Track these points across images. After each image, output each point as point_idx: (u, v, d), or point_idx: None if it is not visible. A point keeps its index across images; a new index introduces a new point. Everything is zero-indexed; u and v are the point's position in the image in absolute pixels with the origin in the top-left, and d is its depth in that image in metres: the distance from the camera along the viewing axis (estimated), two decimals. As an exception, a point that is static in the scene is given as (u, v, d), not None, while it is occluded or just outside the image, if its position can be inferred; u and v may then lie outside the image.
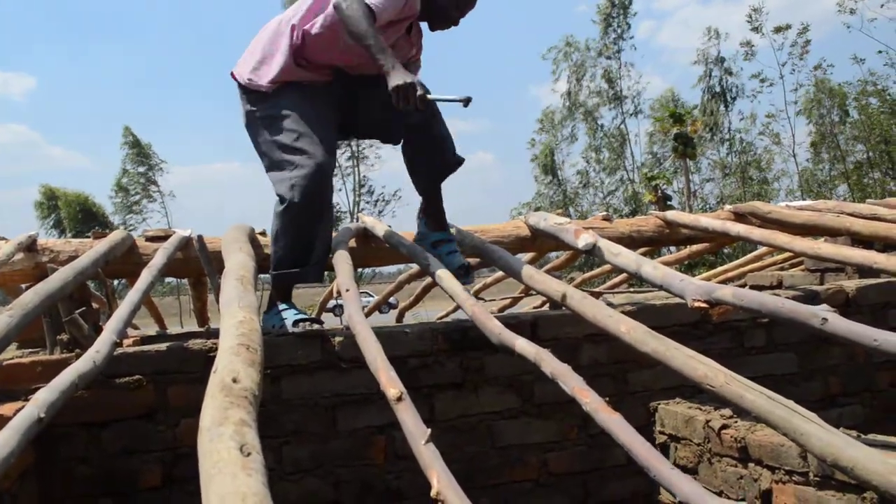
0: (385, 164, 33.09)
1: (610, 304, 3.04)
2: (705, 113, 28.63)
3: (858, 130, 25.96)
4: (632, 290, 5.66)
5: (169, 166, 37.41)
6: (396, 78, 2.37)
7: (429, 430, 1.26)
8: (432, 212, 2.85)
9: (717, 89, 29.68)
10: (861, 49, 56.93)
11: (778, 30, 27.93)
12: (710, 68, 29.85)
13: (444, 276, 2.28)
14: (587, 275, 6.83)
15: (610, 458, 2.62)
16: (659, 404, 2.62)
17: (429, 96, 2.36)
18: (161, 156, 36.67)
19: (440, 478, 1.15)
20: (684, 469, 2.35)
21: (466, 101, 2.26)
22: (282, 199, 2.51)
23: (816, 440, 1.31)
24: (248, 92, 2.69)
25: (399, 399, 1.40)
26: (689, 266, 12.56)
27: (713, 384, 1.52)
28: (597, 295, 5.58)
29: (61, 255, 2.76)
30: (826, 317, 1.80)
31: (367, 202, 32.45)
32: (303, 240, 2.58)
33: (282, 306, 2.60)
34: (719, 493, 2.28)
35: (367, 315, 7.47)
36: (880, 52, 29.21)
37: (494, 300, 5.57)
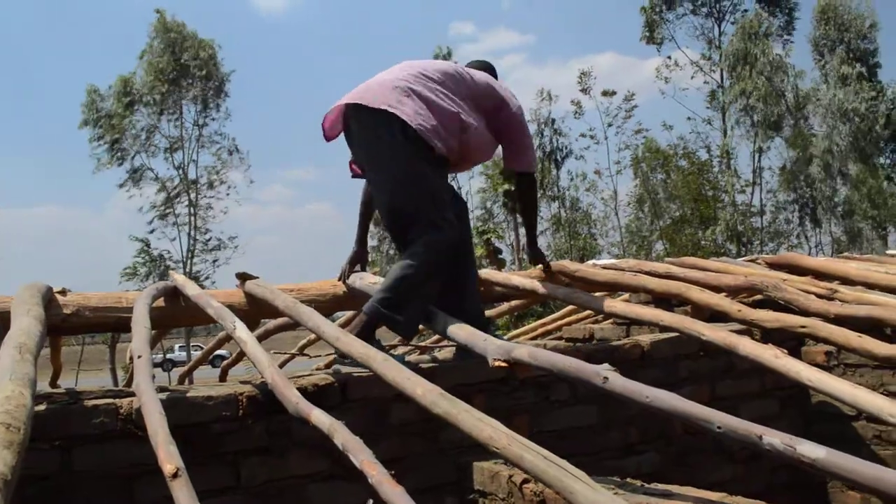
0: (232, 216, 31.96)
1: (434, 360, 3.10)
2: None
3: (672, 190, 28.20)
4: (457, 343, 5.77)
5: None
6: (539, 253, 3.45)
7: (202, 509, 1.23)
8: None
9: (548, 149, 31.29)
10: (674, 115, 62.37)
11: (605, 94, 30.05)
12: (542, 129, 31.44)
13: (247, 340, 2.25)
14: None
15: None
16: (468, 460, 2.68)
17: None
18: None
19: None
20: (489, 524, 2.42)
21: None
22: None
23: (583, 498, 1.39)
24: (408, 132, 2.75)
25: (175, 476, 1.35)
26: (519, 317, 13.03)
27: (497, 445, 1.59)
28: (425, 349, 5.65)
29: None
30: (607, 375, 1.94)
31: (203, 249, 31.17)
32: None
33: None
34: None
35: (193, 369, 7.17)
36: (689, 118, 32.16)
37: (320, 356, 5.51)
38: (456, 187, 3.32)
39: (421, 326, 3.22)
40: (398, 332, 2.93)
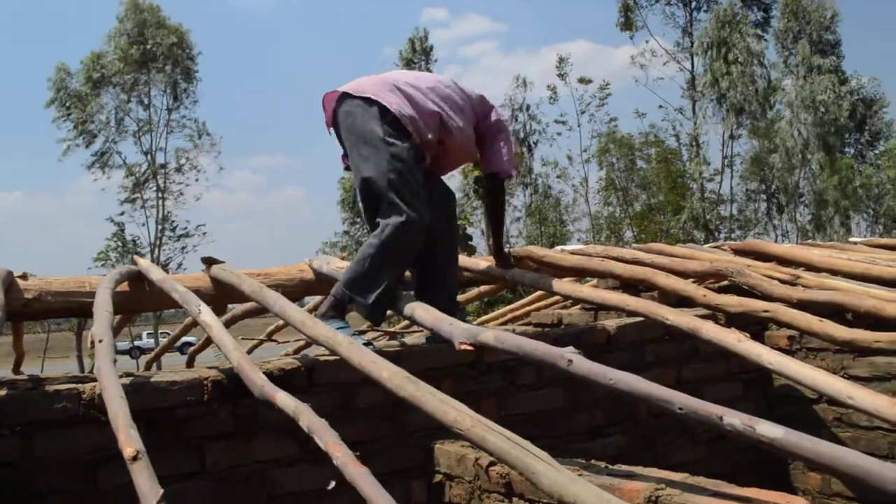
0: (199, 202, 31.55)
1: (403, 345, 3.11)
2: (508, 157, 29.88)
3: (640, 178, 28.41)
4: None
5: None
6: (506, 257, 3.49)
7: (161, 491, 1.22)
8: None
9: (521, 135, 31.23)
10: (646, 103, 62.70)
11: (582, 81, 30.06)
12: (517, 114, 31.32)
13: (212, 324, 2.23)
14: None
15: None
16: (435, 443, 2.69)
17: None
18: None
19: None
20: (455, 507, 2.43)
21: None
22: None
23: (545, 478, 1.40)
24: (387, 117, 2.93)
25: (135, 459, 1.34)
26: (489, 303, 13.09)
27: (461, 427, 1.60)
28: (394, 335, 5.66)
29: None
30: (571, 358, 1.95)
31: (171, 237, 30.78)
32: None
33: (339, 324, 2.81)
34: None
35: (159, 356, 7.10)
36: (661, 106, 32.37)
37: (289, 342, 5.49)
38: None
39: (389, 312, 3.23)
40: (364, 315, 2.97)
